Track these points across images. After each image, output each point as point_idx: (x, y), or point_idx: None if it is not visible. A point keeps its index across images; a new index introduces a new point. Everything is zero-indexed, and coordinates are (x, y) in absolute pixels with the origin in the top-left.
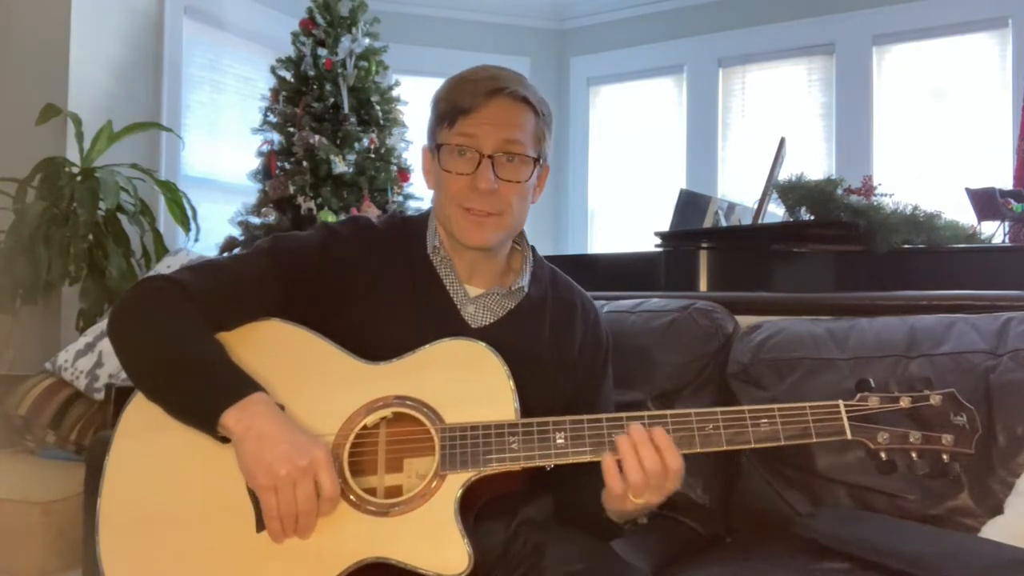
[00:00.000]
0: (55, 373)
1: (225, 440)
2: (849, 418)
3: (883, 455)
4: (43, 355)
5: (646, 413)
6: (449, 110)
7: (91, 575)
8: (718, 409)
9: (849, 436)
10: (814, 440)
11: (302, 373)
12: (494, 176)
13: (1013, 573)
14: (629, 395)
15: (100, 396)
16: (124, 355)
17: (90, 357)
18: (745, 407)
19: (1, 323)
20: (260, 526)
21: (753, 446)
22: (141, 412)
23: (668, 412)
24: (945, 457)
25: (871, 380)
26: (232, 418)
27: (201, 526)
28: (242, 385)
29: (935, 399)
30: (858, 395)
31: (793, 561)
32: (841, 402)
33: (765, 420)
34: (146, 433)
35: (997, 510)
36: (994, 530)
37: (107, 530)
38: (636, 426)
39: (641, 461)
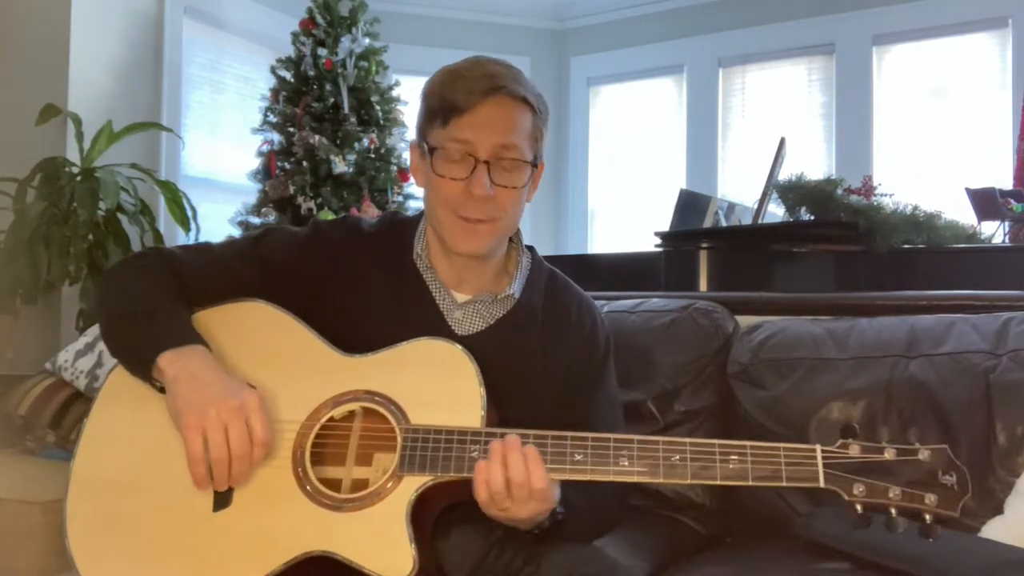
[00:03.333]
0: (55, 373)
1: (162, 390)
2: (825, 465)
3: (858, 507)
4: (43, 355)
5: (612, 436)
6: (442, 108)
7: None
8: (687, 440)
9: (822, 484)
10: (784, 484)
11: (277, 357)
12: (489, 182)
13: (1013, 573)
14: (629, 395)
15: None
16: (98, 306)
17: (90, 357)
18: (716, 441)
19: (1, 323)
20: (217, 506)
21: (719, 483)
22: (123, 381)
23: (635, 437)
24: (928, 517)
25: (856, 426)
26: (167, 360)
27: (164, 500)
28: (185, 335)
29: (924, 454)
30: (840, 441)
31: (793, 561)
32: (819, 447)
33: (735, 457)
34: (126, 402)
35: (997, 510)
36: (994, 530)
37: (75, 491)
38: (512, 435)
39: (507, 468)
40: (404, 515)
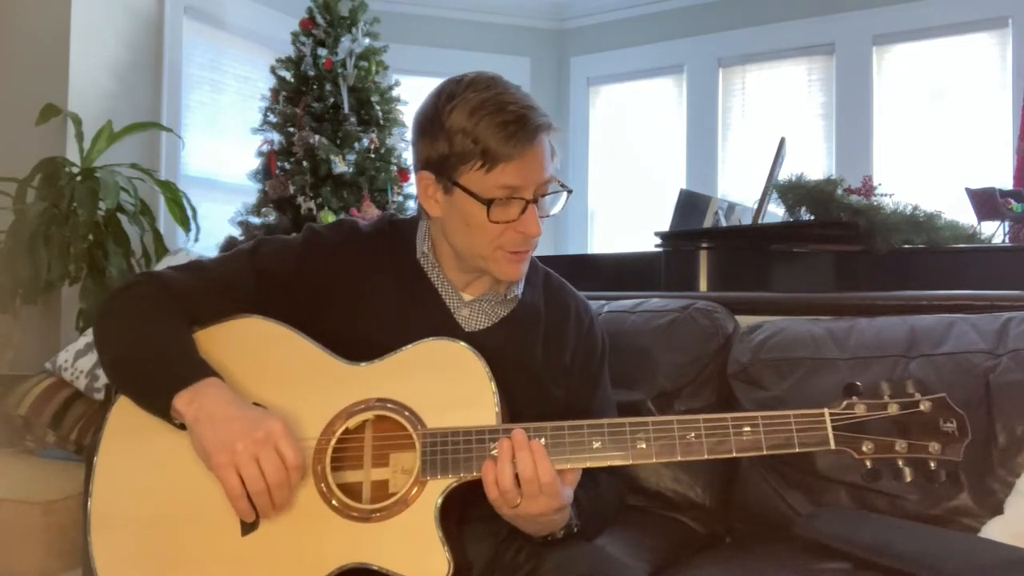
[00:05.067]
0: (55, 373)
1: (181, 427)
2: (834, 427)
3: (868, 463)
4: (43, 355)
5: (627, 420)
6: (482, 153)
7: None
8: (700, 416)
9: (833, 446)
10: (797, 450)
11: (284, 374)
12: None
13: (1013, 573)
14: (629, 395)
15: (100, 396)
16: (98, 346)
17: (90, 357)
18: (728, 415)
19: (1, 323)
20: (245, 530)
21: (735, 455)
22: (127, 413)
23: (650, 419)
24: (932, 465)
25: (859, 384)
26: (183, 401)
27: (188, 528)
28: (195, 370)
29: (925, 405)
30: (845, 402)
31: (793, 561)
32: (826, 411)
33: (748, 428)
34: (133, 434)
35: (997, 510)
36: (994, 530)
37: (98, 530)
38: (519, 431)
39: (516, 464)
40: (434, 519)
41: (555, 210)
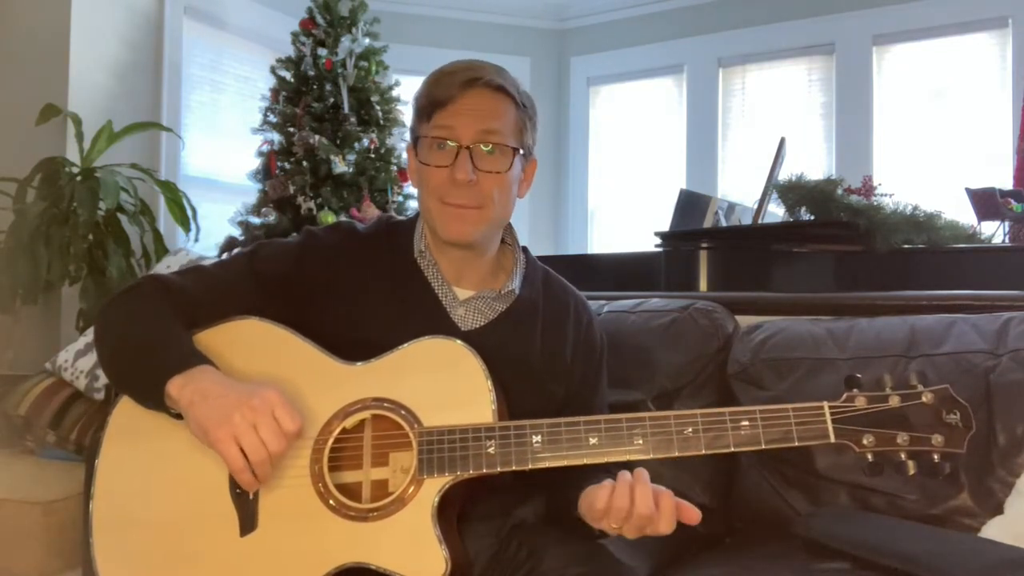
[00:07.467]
0: (55, 373)
1: (179, 417)
2: (833, 420)
3: (869, 456)
4: (43, 355)
5: (624, 416)
6: (427, 104)
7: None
8: (698, 412)
9: (832, 439)
10: (796, 444)
11: (281, 374)
12: (472, 167)
13: (1013, 573)
14: (629, 395)
15: (100, 396)
16: (97, 345)
17: (90, 357)
18: (726, 409)
19: (1, 323)
20: (244, 530)
21: (733, 450)
22: (128, 415)
23: (647, 415)
24: (936, 457)
25: (859, 376)
26: (176, 386)
27: (188, 530)
28: (189, 358)
29: (927, 397)
30: (845, 394)
31: (793, 561)
32: (826, 404)
33: (746, 422)
34: (134, 435)
35: (997, 510)
36: (994, 530)
37: (100, 531)
38: (645, 482)
39: (634, 503)
40: (430, 518)
41: (504, 169)
